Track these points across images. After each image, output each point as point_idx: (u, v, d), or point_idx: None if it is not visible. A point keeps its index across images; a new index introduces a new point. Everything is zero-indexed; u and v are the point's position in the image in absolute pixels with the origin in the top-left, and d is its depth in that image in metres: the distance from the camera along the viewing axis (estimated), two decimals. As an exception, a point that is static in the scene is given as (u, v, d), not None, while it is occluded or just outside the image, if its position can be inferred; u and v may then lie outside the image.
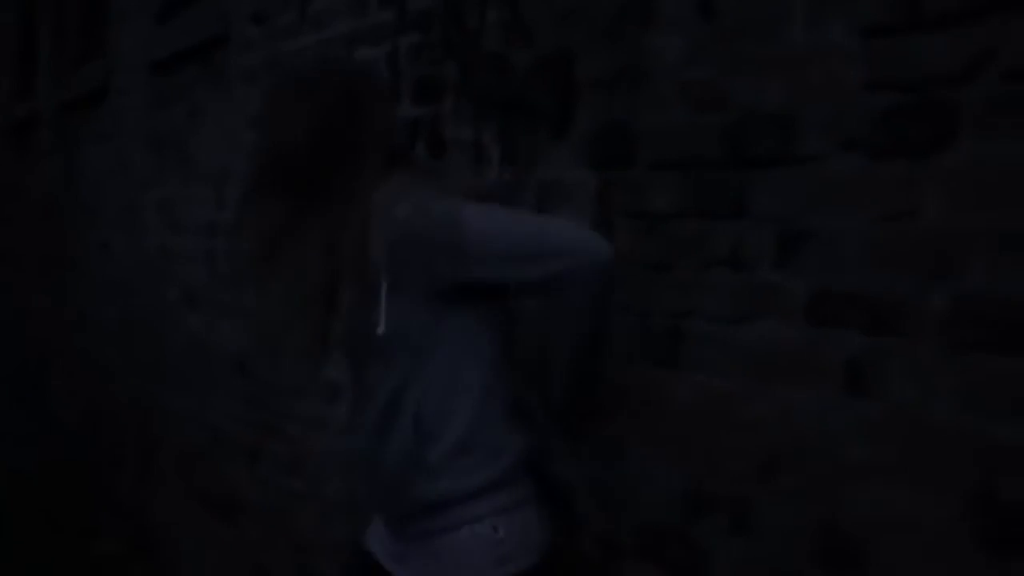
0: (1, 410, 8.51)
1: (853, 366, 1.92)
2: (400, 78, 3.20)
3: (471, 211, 2.03)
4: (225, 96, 4.58)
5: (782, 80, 2.05)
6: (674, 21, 2.26)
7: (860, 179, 1.90)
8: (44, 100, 8.01)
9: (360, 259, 2.01)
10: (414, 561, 2.15)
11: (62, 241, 7.40)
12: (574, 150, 2.53)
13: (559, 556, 2.30)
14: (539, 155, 2.62)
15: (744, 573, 2.13)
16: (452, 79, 2.97)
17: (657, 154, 2.31)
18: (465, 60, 2.90)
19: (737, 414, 2.13)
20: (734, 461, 2.14)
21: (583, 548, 2.47)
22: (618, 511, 2.40)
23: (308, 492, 3.87)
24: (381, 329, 2.00)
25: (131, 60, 5.88)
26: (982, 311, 1.72)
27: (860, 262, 1.91)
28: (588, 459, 2.46)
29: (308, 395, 3.83)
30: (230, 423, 4.54)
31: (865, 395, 1.90)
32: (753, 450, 2.10)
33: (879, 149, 1.87)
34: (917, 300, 1.81)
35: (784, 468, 2.05)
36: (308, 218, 2.07)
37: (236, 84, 4.46)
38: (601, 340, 2.22)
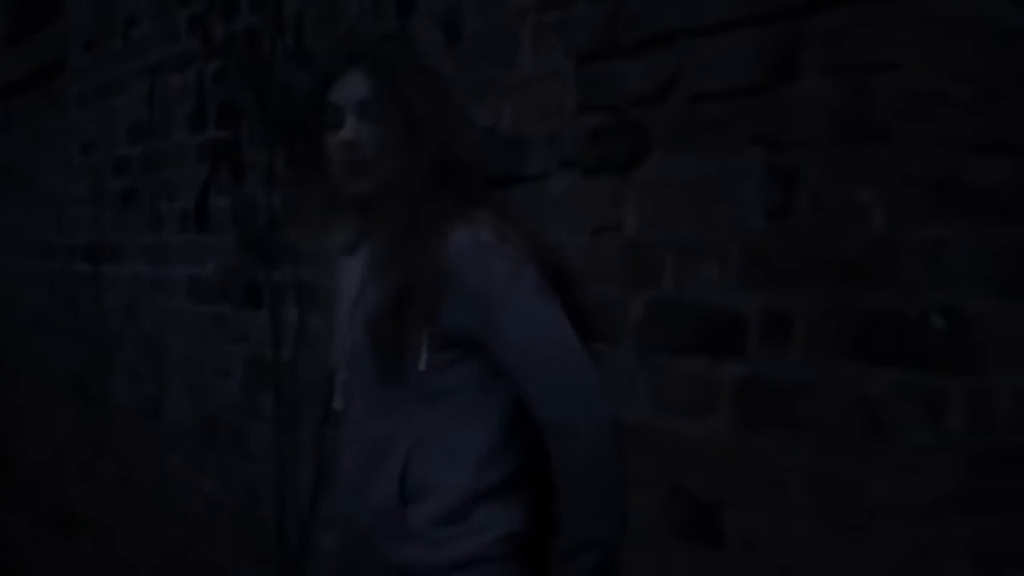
0: None
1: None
2: (206, 103, 3.29)
3: (528, 283, 1.70)
4: (62, 121, 4.63)
5: (514, 104, 2.18)
6: (427, 49, 2.39)
7: (575, 195, 2.04)
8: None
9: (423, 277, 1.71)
10: None
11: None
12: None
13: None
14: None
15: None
16: (248, 105, 3.07)
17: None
18: (259, 86, 3.01)
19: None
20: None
21: None
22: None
23: (135, 508, 3.92)
24: (423, 365, 1.75)
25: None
26: (668, 316, 1.85)
27: (579, 274, 2.03)
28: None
29: (137, 411, 3.90)
30: (68, 442, 4.58)
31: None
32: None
33: (589, 167, 2.01)
34: (620, 308, 1.94)
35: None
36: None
37: (71, 109, 4.51)
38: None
